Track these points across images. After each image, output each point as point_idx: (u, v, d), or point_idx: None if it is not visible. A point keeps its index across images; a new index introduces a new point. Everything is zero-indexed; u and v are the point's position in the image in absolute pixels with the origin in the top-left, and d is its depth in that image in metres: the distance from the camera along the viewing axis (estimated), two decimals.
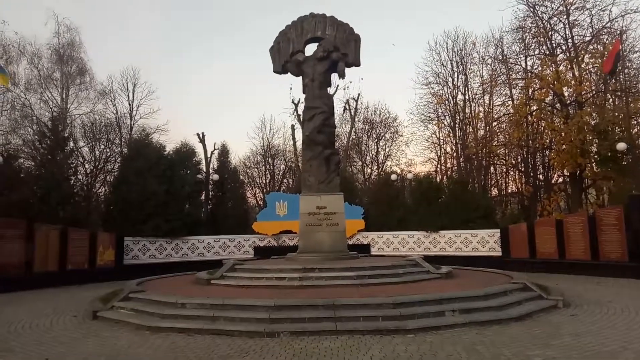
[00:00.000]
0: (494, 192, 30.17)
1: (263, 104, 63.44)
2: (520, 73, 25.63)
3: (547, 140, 24.44)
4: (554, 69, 22.60)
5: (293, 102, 28.61)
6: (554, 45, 23.86)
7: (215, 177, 23.29)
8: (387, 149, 34.00)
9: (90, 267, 16.84)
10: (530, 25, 24.35)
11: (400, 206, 22.55)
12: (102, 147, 26.72)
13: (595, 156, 21.35)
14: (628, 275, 13.52)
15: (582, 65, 22.64)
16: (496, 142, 26.42)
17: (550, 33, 23.66)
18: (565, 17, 23.06)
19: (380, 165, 33.52)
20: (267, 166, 34.54)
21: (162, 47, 59.50)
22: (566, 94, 22.99)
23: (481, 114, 29.06)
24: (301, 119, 16.86)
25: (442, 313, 7.41)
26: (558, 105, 23.55)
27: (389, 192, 23.19)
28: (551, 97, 23.73)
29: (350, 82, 35.08)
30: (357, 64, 13.61)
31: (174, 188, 20.12)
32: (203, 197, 23.31)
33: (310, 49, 13.74)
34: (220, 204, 23.39)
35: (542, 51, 24.47)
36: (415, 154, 49.96)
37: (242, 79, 64.46)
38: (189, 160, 22.26)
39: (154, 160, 20.32)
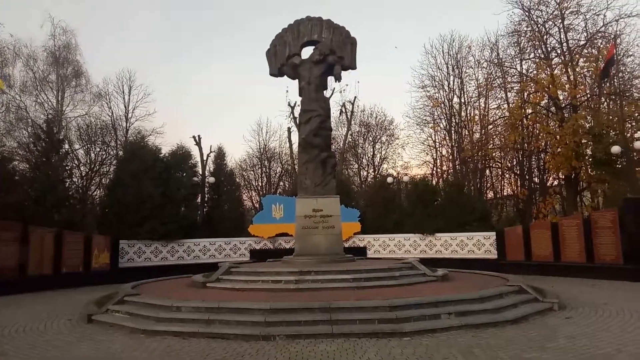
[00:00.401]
0: (490, 194, 30.29)
1: (259, 106, 63.54)
2: (515, 76, 25.79)
3: (543, 143, 24.58)
4: (549, 73, 22.76)
5: (289, 104, 28.63)
6: (549, 49, 24.03)
7: (212, 179, 23.23)
8: (383, 152, 34.13)
9: (85, 270, 16.75)
10: (525, 29, 24.53)
11: (397, 209, 22.59)
12: (98, 149, 26.69)
13: (590, 159, 21.48)
14: (623, 278, 13.56)
15: (577, 69, 22.80)
16: (492, 145, 26.52)
17: (545, 37, 23.81)
18: (560, 21, 23.23)
19: (376, 168, 33.61)
20: (264, 169, 34.52)
21: (159, 48, 59.53)
22: (561, 98, 23.15)
23: (477, 117, 29.26)
24: (297, 121, 16.87)
25: (438, 316, 7.41)
26: (553, 109, 23.68)
27: (385, 195, 23.21)
28: (546, 101, 23.85)
29: (347, 85, 35.14)
30: (353, 67, 13.67)
31: (169, 191, 20.07)
32: (199, 199, 23.24)
33: (307, 52, 13.79)
34: (216, 207, 23.32)
35: (537, 55, 24.63)
36: (411, 157, 49.91)
37: (238, 81, 64.65)
38: (185, 162, 22.23)
39: (149, 162, 20.27)
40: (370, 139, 34.13)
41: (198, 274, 12.22)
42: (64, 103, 27.38)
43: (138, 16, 60.30)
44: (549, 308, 8.57)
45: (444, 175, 30.28)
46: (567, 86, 22.26)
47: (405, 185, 25.32)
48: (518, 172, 28.14)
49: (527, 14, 24.14)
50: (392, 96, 63.42)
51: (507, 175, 30.22)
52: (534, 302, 8.80)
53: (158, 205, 19.40)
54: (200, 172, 23.97)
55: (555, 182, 26.76)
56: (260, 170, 34.66)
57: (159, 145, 23.48)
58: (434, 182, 27.42)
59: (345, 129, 31.97)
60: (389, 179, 24.51)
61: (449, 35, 33.71)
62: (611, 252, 14.54)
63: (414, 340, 6.50)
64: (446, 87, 30.06)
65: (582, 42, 23.34)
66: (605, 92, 23.13)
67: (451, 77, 29.99)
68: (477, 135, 28.52)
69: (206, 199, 23.73)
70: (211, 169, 24.76)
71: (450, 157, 30.29)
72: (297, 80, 13.63)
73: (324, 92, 13.85)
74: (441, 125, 30.49)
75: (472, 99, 29.58)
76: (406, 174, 28.20)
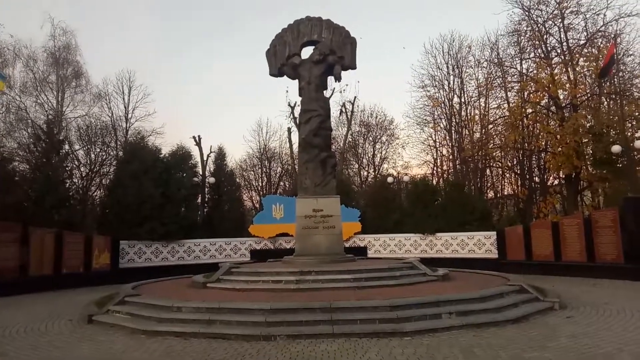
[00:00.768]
0: (490, 194, 30.25)
1: (259, 106, 63.45)
2: (515, 76, 25.75)
3: (543, 143, 24.55)
4: (549, 72, 22.72)
5: (289, 105, 28.62)
6: (549, 48, 24.01)
7: (212, 180, 23.23)
8: (383, 152, 34.09)
9: (85, 271, 16.76)
10: (525, 28, 24.52)
11: (397, 209, 22.59)
12: (98, 150, 26.70)
13: (591, 158, 21.46)
14: (624, 277, 13.56)
15: (577, 69, 22.77)
16: (492, 144, 26.50)
17: (545, 36, 23.80)
18: (560, 20, 23.21)
19: (376, 168, 33.60)
20: (264, 169, 34.49)
21: (159, 48, 59.51)
22: (561, 97, 23.12)
23: (477, 117, 29.21)
24: (297, 121, 16.87)
25: (438, 315, 7.41)
26: (553, 108, 23.67)
27: (385, 195, 23.21)
28: (546, 100, 23.84)
29: (347, 85, 35.08)
30: (353, 67, 13.67)
31: (170, 191, 20.06)
32: (199, 200, 23.24)
33: (307, 52, 13.79)
34: (217, 207, 23.31)
35: (537, 54, 24.60)
36: (411, 157, 50.06)
37: (238, 81, 64.57)
38: (185, 163, 22.24)
39: (149, 163, 20.27)
40: (371, 138, 34.15)
41: (198, 274, 12.25)
42: (64, 104, 27.39)
43: (138, 16, 60.46)
44: (549, 307, 8.56)
45: (445, 175, 30.26)
46: (567, 85, 22.24)
47: (405, 185, 25.32)
48: (518, 172, 28.12)
49: (527, 13, 24.15)
50: (392, 96, 63.48)
51: (507, 175, 30.23)
52: (535, 302, 8.79)
53: (158, 206, 19.40)
54: (201, 173, 23.98)
55: (556, 182, 26.75)
56: (260, 170, 34.65)
57: (159, 145, 23.53)
58: (434, 182, 27.41)
59: (345, 129, 31.98)
60: (389, 179, 24.52)
61: (449, 35, 33.61)
62: (612, 251, 14.53)
63: (415, 340, 6.49)
64: (446, 87, 30.09)
65: (582, 42, 23.33)
66: (605, 91, 23.12)
67: (451, 77, 30.01)
68: (477, 135, 28.51)
69: (206, 199, 23.73)
70: (211, 169, 24.77)
71: (451, 157, 30.28)
72: (297, 80, 13.64)
73: (324, 92, 13.86)
74: (441, 125, 30.51)
75: (472, 99, 29.60)
76: (406, 174, 28.24)
